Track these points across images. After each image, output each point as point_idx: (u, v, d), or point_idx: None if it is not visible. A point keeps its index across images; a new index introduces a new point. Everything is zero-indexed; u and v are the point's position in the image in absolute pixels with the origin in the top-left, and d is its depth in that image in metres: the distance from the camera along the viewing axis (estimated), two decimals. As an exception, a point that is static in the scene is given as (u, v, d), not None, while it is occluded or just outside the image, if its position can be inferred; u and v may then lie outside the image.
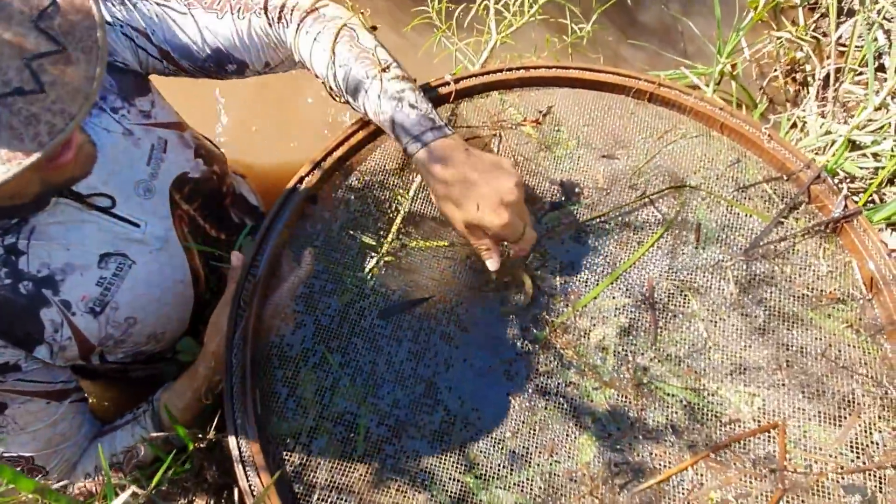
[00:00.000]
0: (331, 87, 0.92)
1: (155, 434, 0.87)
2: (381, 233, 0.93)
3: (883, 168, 0.98)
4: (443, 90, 1.03)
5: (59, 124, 0.60)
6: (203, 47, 0.93)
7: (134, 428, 0.93)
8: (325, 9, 0.93)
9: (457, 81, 1.04)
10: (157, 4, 0.91)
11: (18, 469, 0.80)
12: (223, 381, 0.79)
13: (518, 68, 1.06)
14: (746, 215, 0.94)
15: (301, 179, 0.94)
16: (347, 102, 0.93)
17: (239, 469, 0.73)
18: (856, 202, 0.97)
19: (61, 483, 0.88)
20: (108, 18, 0.88)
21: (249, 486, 0.73)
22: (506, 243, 0.87)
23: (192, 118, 1.12)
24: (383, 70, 0.87)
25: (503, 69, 1.06)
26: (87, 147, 0.82)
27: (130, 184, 0.90)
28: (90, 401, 1.03)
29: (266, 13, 0.92)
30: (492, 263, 0.84)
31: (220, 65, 0.95)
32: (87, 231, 0.86)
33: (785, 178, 0.96)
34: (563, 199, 0.98)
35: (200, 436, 0.79)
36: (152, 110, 0.95)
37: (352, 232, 0.93)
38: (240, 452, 0.74)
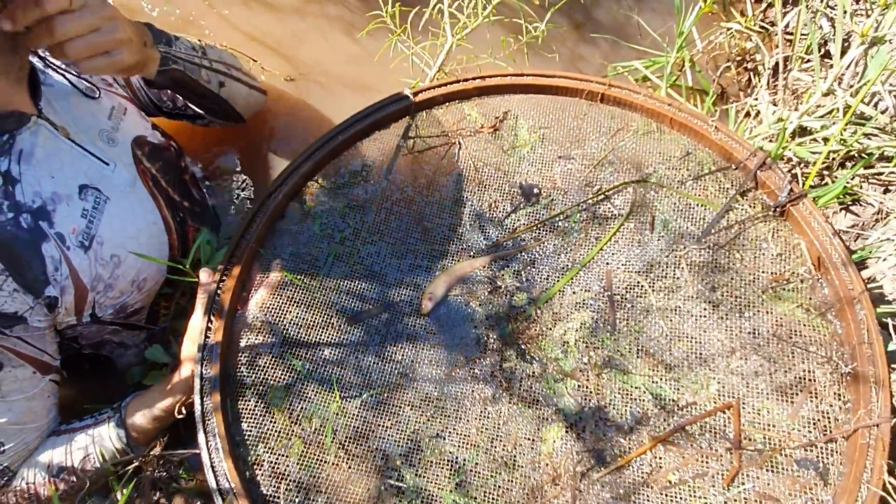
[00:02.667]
0: None
1: (119, 447, 0.90)
2: (348, 242, 0.97)
3: (832, 151, 1.00)
4: (403, 103, 1.07)
5: None
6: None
7: (96, 431, 0.95)
8: None
9: (416, 94, 1.08)
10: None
11: None
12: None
13: (474, 78, 1.10)
14: (699, 205, 0.97)
15: (269, 195, 0.98)
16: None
17: (209, 474, 0.77)
18: (802, 186, 1.00)
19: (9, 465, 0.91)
20: None
21: (219, 489, 0.76)
22: None
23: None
24: None
25: (460, 80, 1.10)
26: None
27: (95, 130, 0.98)
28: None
29: None
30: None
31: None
32: (65, 159, 0.91)
33: (733, 167, 0.99)
34: (522, 200, 1.01)
35: (164, 452, 0.80)
36: (114, 83, 1.07)
37: (319, 244, 0.97)
38: (211, 459, 0.78)
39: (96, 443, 0.94)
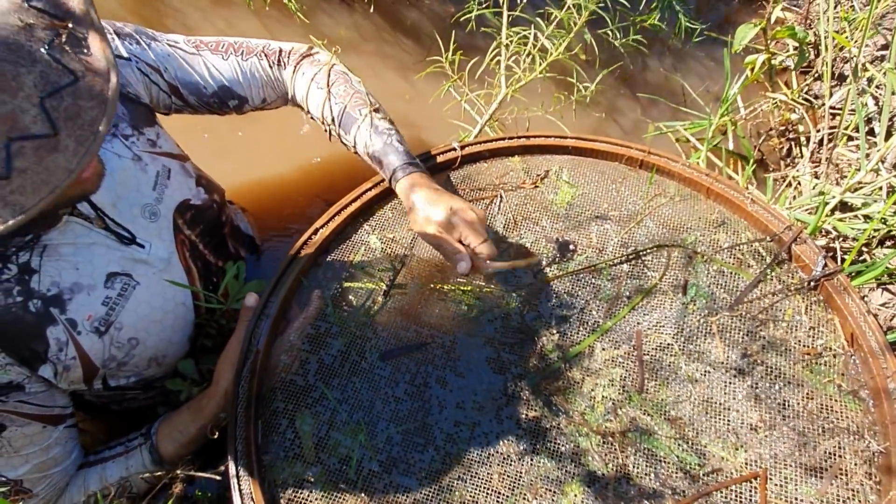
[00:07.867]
0: (323, 121, 1.08)
1: (153, 470, 0.90)
2: (386, 281, 1.01)
3: (874, 229, 1.01)
4: (450, 155, 1.13)
5: (6, 216, 0.57)
6: (209, 83, 1.05)
7: (128, 461, 0.95)
8: (318, 55, 1.12)
9: (463, 148, 1.14)
10: (169, 45, 1.03)
11: (5, 490, 0.81)
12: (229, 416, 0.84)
13: (519, 137, 1.16)
14: (732, 273, 0.99)
15: (315, 231, 1.03)
16: (338, 135, 1.09)
17: (235, 494, 0.79)
18: (838, 262, 1.01)
19: None
20: (125, 54, 0.96)
21: (245, 509, 0.78)
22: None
23: (194, 153, 1.17)
24: (374, 110, 1.05)
25: (505, 138, 1.16)
26: (97, 166, 0.83)
27: (137, 207, 0.95)
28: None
29: (266, 57, 1.10)
30: (463, 266, 0.88)
31: (223, 100, 1.08)
32: (96, 251, 0.89)
33: (768, 239, 1.00)
34: (558, 255, 1.04)
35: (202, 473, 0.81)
36: (158, 140, 1.02)
37: (359, 281, 1.01)
38: (238, 477, 0.80)
39: (131, 472, 0.94)
